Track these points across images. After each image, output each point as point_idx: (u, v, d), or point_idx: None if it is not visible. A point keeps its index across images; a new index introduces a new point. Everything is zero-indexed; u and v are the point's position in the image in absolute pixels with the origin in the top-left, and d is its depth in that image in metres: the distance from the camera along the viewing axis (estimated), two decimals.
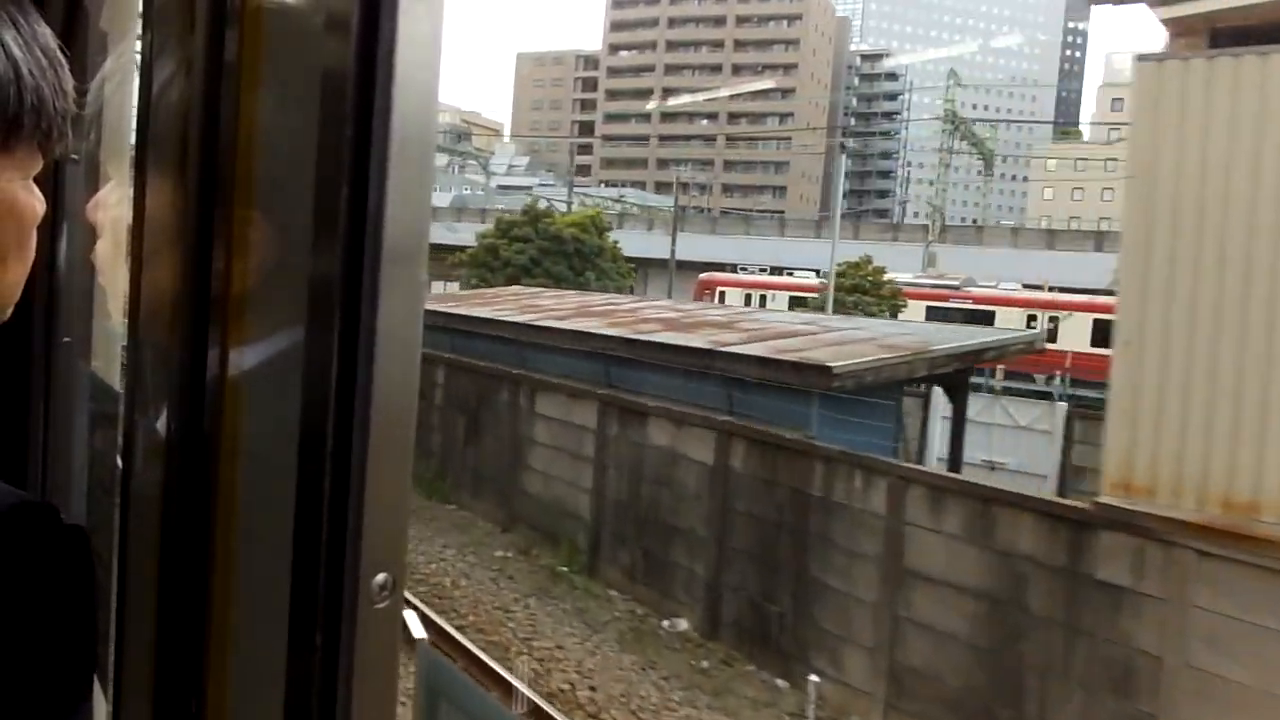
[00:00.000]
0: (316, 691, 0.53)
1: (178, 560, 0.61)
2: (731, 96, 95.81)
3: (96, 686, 0.74)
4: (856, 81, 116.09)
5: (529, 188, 68.69)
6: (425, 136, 0.55)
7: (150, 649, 0.63)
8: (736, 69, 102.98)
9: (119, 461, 0.72)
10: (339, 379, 0.53)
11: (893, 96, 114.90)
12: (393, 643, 0.55)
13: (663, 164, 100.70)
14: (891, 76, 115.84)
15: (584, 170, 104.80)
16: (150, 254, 0.68)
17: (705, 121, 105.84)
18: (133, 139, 0.72)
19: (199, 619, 0.59)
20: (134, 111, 0.71)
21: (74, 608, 0.69)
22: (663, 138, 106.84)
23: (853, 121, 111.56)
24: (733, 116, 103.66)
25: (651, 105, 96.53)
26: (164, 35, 0.69)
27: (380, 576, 0.53)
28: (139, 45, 0.75)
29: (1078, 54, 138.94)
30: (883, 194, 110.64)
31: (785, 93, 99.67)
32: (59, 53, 0.66)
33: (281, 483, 0.54)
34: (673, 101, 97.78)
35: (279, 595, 0.54)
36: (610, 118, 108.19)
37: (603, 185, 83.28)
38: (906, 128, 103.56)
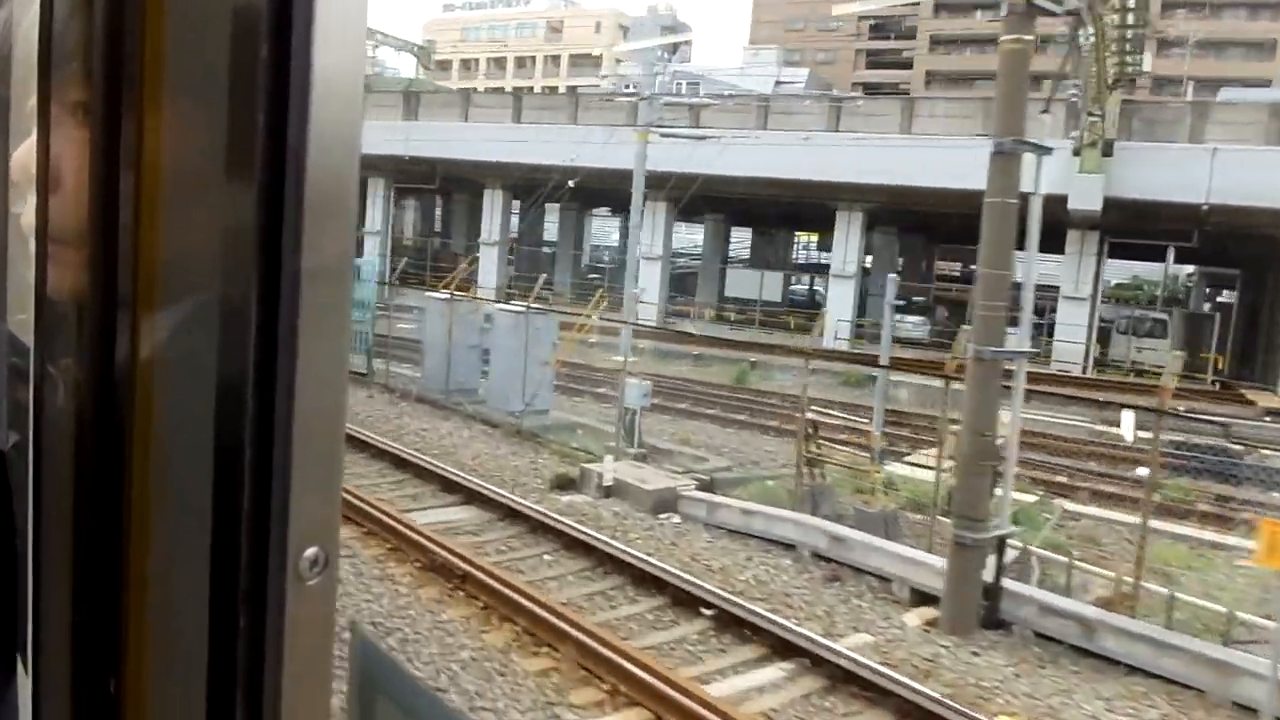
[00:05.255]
0: (242, 674, 0.50)
1: (92, 533, 0.58)
2: None
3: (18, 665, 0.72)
4: None
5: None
6: (352, 70, 0.50)
7: (67, 628, 0.61)
8: None
9: (30, 428, 0.69)
10: (260, 334, 0.49)
11: None
12: (326, 623, 0.51)
13: (1036, 80, 48.88)
14: None
15: (878, 89, 62.60)
16: (55, 204, 0.65)
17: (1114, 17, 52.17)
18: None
19: (114, 595, 0.56)
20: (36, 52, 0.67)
21: None
22: (1045, 41, 48.36)
23: None
24: (1167, 6, 58.96)
25: None
26: None
27: (311, 551, 0.50)
28: None
29: None
30: None
31: None
32: None
33: (201, 449, 0.51)
34: None
35: (200, 571, 0.51)
36: (943, 6, 64.62)
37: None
38: None
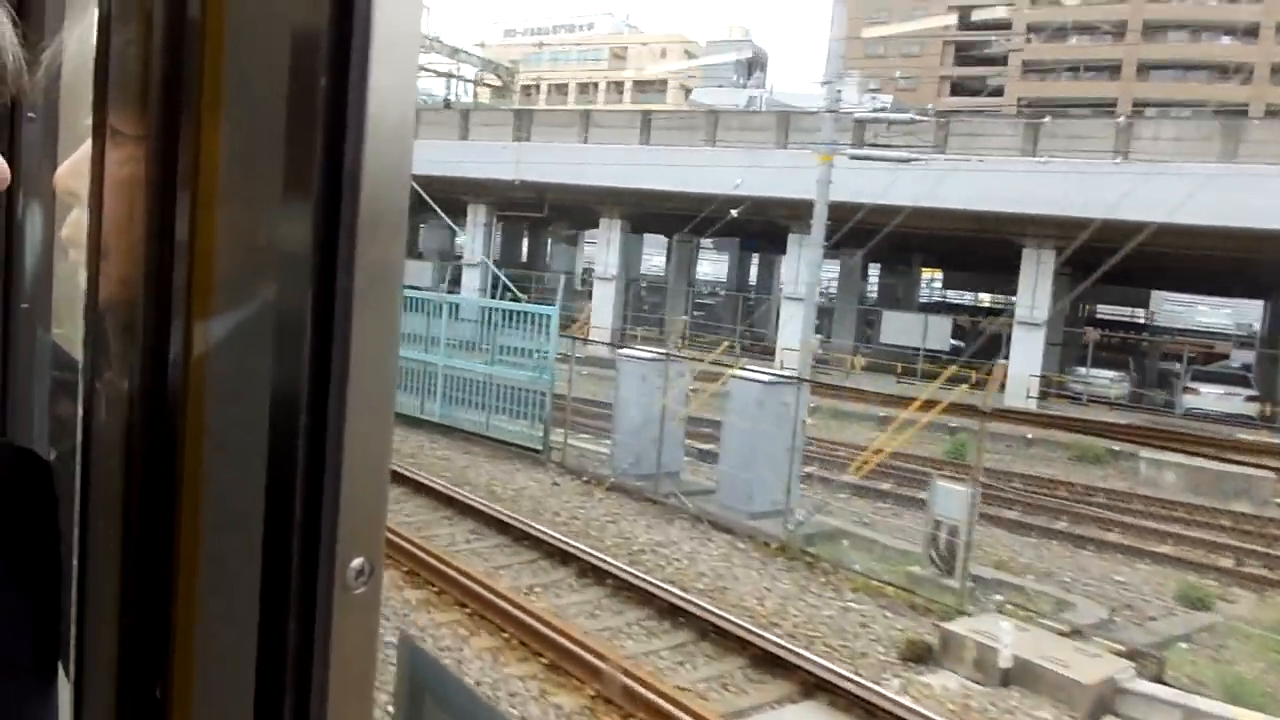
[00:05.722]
0: (289, 680, 0.51)
1: (141, 541, 0.59)
2: None
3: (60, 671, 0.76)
4: None
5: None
6: (405, 94, 0.51)
7: (114, 631, 0.61)
8: None
9: (79, 438, 0.68)
10: (313, 350, 0.50)
11: None
12: (371, 632, 0.53)
13: (1138, 108, 53.07)
14: None
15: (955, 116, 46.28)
16: (110, 218, 0.65)
17: (1228, 40, 55.79)
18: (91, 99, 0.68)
19: (163, 601, 0.57)
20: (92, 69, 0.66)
21: (37, 528, 0.75)
22: (1149, 67, 59.85)
23: None
24: None
25: None
26: None
27: (357, 561, 0.51)
28: None
29: None
30: None
31: None
32: None
33: (251, 460, 0.52)
34: None
35: (249, 579, 0.52)
36: (1037, 30, 58.97)
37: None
38: None
